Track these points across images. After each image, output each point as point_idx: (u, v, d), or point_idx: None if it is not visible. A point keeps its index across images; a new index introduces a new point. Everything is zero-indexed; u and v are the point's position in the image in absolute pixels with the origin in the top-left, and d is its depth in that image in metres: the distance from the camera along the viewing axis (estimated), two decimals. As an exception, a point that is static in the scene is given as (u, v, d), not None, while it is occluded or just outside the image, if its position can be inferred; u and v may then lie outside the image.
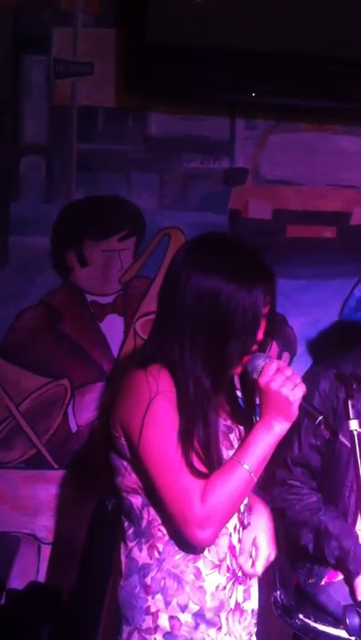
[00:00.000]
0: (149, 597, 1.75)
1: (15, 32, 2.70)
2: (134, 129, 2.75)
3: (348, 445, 1.86)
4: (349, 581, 2.11)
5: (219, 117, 2.75)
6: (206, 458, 1.72)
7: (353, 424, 1.84)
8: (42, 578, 2.75)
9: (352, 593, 2.10)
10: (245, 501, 1.84)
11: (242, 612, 1.83)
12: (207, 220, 2.73)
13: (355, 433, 1.84)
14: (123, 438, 1.76)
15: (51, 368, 2.74)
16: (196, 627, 1.76)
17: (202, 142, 2.76)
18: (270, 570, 2.09)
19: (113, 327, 2.77)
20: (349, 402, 1.89)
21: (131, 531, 1.80)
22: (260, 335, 1.77)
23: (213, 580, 1.77)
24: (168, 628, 1.75)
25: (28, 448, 2.75)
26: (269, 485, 2.16)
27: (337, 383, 2.20)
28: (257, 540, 1.88)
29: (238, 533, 1.83)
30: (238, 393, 1.90)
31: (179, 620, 1.75)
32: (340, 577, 2.16)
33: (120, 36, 2.68)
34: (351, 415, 1.85)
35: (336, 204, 2.81)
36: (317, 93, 2.64)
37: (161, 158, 2.76)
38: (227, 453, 1.77)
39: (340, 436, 1.78)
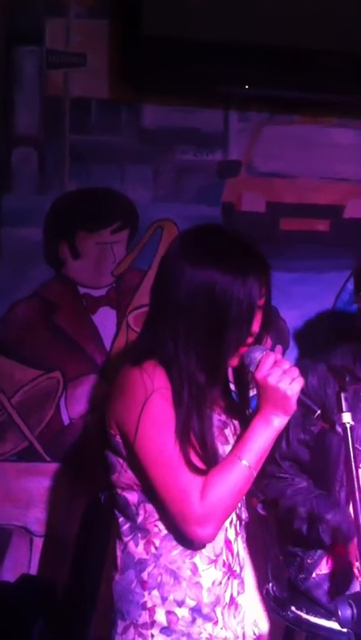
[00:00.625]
0: (146, 593, 1.76)
1: (7, 22, 2.68)
2: (128, 121, 2.74)
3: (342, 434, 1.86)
4: (345, 550, 2.11)
5: (213, 110, 2.74)
6: (203, 453, 1.71)
7: (346, 417, 1.83)
8: (34, 570, 2.75)
9: (346, 582, 2.11)
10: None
11: (236, 606, 1.84)
12: (201, 213, 2.72)
13: (347, 426, 1.84)
14: (118, 436, 1.75)
15: (43, 361, 2.73)
16: (193, 621, 1.76)
17: (195, 134, 2.75)
18: (263, 563, 2.11)
19: (106, 320, 2.76)
20: (342, 394, 1.89)
21: (126, 526, 1.80)
22: (255, 327, 1.76)
23: (210, 575, 1.78)
24: (165, 623, 1.75)
25: (21, 441, 2.74)
26: (259, 480, 2.17)
27: (326, 377, 2.21)
28: (258, 622, 1.93)
29: (235, 528, 1.83)
30: (232, 386, 1.90)
31: (176, 614, 1.75)
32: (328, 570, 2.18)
33: (113, 28, 2.67)
34: (345, 408, 1.85)
35: (330, 196, 2.81)
36: (311, 86, 2.63)
37: (154, 150, 2.75)
38: (222, 449, 1.77)
39: (338, 427, 1.78)
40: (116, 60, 2.67)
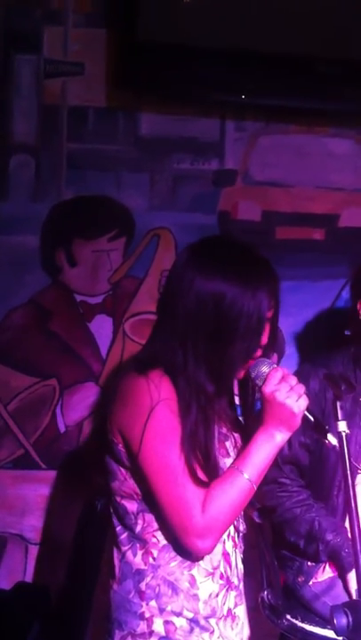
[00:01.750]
0: (144, 603, 1.75)
1: (5, 31, 2.69)
2: (124, 129, 2.75)
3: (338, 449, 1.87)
4: (342, 576, 2.12)
5: (209, 118, 2.76)
6: (205, 465, 1.71)
7: (342, 425, 1.84)
8: (29, 578, 2.75)
9: (345, 588, 2.11)
10: None
11: (233, 617, 1.83)
12: (197, 221, 2.73)
13: (343, 434, 1.84)
14: (121, 445, 1.74)
15: (39, 368, 2.73)
16: (191, 630, 1.76)
17: (192, 143, 2.76)
18: (259, 571, 2.10)
19: (102, 327, 2.76)
20: (338, 403, 1.90)
21: (124, 535, 1.79)
22: (264, 339, 1.76)
23: (207, 587, 1.77)
24: (163, 633, 1.75)
25: (16, 448, 2.74)
26: (260, 486, 2.17)
27: (326, 382, 2.21)
28: None
29: (233, 540, 1.83)
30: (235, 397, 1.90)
31: (174, 624, 1.75)
32: (328, 576, 2.18)
33: (111, 36, 2.68)
34: (340, 416, 1.85)
35: (325, 205, 2.82)
36: (307, 95, 2.65)
37: (151, 159, 2.76)
38: (223, 461, 1.77)
39: (337, 444, 1.79)
40: (113, 68, 2.68)
